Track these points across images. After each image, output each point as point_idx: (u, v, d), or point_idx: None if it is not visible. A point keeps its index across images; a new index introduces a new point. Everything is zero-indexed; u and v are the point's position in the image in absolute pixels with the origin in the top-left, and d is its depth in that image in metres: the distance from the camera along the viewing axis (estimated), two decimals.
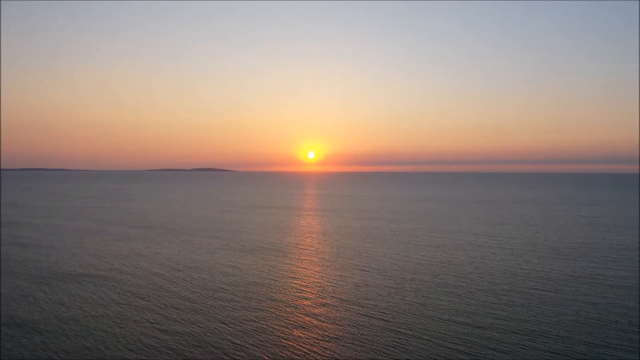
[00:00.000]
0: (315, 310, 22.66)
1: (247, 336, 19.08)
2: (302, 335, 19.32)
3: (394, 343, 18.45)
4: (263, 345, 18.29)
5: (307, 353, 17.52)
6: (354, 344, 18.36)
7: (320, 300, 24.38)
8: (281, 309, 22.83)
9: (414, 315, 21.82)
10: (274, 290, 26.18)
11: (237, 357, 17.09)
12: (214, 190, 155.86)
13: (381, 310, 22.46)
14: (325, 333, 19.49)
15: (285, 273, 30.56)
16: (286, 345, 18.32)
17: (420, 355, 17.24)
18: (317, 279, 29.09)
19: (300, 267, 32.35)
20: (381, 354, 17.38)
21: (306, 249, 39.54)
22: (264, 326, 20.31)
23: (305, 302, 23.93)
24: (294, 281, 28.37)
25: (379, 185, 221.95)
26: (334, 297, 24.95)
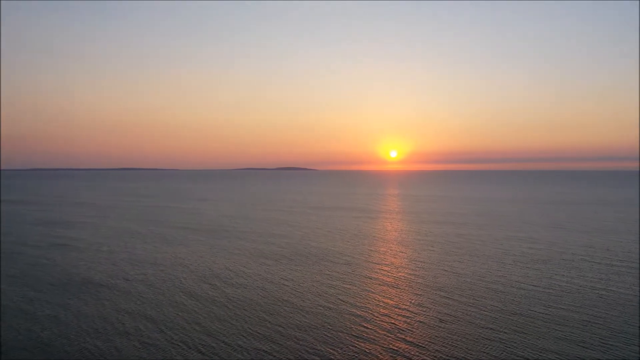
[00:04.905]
0: None
1: None
2: None
3: None
4: None
5: None
6: None
7: (391, 342, 18.38)
8: (335, 353, 17.14)
9: None
10: (331, 323, 20.54)
11: None
12: (284, 190, 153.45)
13: None
14: None
15: (348, 298, 24.81)
16: None
17: None
18: (389, 308, 23.07)
19: (369, 290, 26.42)
20: None
21: (379, 264, 33.52)
22: None
23: (369, 349, 18.05)
24: (359, 311, 22.55)
25: (461, 184, 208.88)
26: (409, 339, 18.84)
